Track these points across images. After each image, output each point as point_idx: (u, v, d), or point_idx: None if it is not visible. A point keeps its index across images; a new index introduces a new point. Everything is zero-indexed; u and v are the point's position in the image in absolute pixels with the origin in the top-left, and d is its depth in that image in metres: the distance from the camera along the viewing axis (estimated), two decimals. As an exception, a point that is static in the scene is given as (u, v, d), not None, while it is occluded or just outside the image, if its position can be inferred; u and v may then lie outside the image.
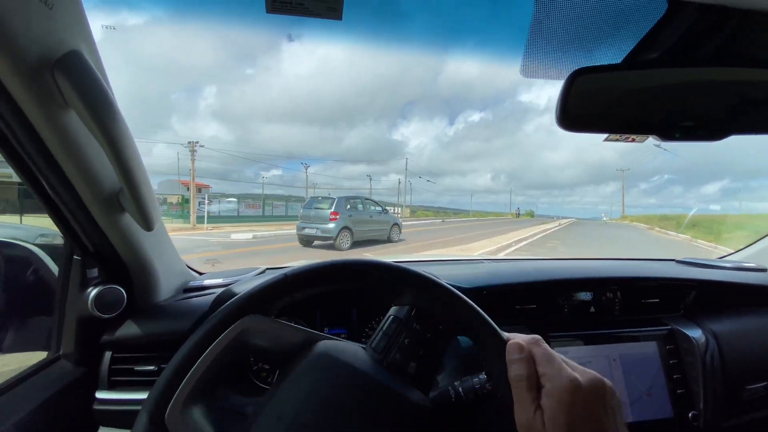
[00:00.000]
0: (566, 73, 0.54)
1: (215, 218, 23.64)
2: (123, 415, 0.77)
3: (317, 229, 9.87)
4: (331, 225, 9.74)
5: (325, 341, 0.48)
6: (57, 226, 0.72)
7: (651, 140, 0.70)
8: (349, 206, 10.62)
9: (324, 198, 11.19)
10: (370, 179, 60.96)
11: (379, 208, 12.44)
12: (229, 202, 27.44)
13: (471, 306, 0.49)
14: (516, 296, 0.97)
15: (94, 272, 0.78)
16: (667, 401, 0.91)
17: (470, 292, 0.91)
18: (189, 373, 0.43)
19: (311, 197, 13.45)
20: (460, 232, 18.01)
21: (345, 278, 0.51)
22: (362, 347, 0.50)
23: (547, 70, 0.61)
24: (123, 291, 0.80)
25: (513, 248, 11.12)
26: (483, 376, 0.62)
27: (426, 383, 0.51)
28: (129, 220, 0.72)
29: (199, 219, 20.65)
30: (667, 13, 0.52)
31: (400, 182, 59.99)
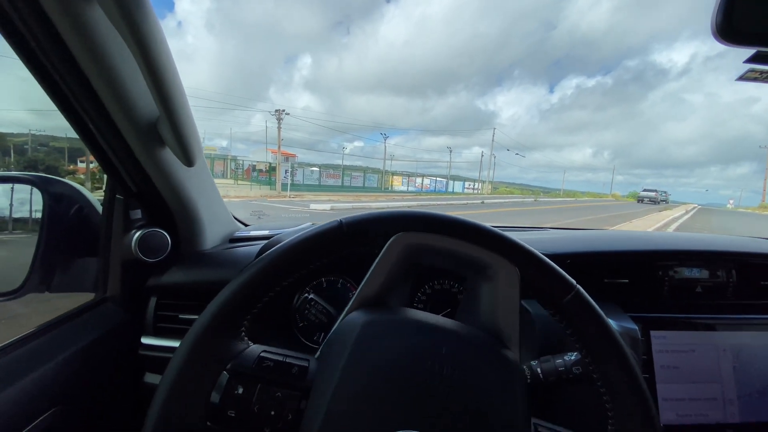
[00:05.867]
0: None
1: (298, 186, 25.20)
2: (168, 363, 0.77)
3: (648, 198, 45.46)
4: (653, 194, 47.26)
5: (517, 359, 0.44)
6: (96, 160, 0.69)
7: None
8: (658, 191, 47.75)
9: (651, 189, 47.62)
10: (450, 151, 59.59)
11: (665, 190, 53.01)
12: (312, 171, 28.95)
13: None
14: (605, 268, 0.83)
15: (137, 214, 0.76)
16: None
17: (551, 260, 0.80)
18: (441, 236, 0.43)
19: (645, 188, 49.35)
20: (572, 216, 15.79)
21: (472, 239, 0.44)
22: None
23: None
24: (167, 236, 0.78)
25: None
26: (569, 357, 0.54)
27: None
28: (170, 157, 0.68)
29: (284, 186, 22.05)
30: None
31: (483, 155, 58.06)
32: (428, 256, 0.45)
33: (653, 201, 42.59)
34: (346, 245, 0.43)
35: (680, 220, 15.14)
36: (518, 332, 0.44)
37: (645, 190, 47.25)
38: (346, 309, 0.44)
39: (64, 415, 0.62)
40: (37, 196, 0.75)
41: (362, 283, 0.45)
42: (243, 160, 32.70)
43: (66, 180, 0.79)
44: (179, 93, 0.55)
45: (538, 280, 0.44)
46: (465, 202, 24.00)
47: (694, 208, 36.05)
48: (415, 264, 0.46)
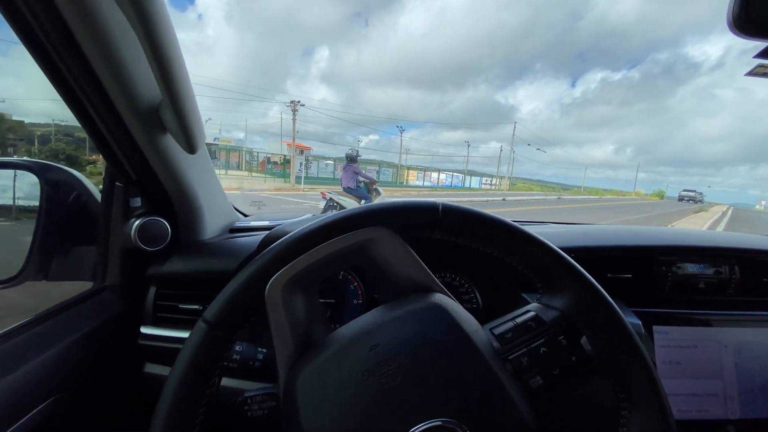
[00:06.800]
0: None
1: (312, 179, 25.03)
2: (167, 353, 0.76)
3: (689, 197, 54.67)
4: (692, 194, 56.81)
5: (445, 297, 0.42)
6: (96, 146, 0.67)
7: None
8: (696, 192, 57.56)
9: (691, 189, 58.12)
10: (468, 146, 58.84)
11: (702, 192, 60.44)
12: (326, 164, 28.94)
13: (644, 358, 0.39)
14: (609, 263, 0.82)
15: (137, 202, 0.75)
16: None
17: None
18: (306, 254, 0.40)
19: (685, 189, 59.96)
20: (605, 216, 14.38)
21: (498, 242, 0.43)
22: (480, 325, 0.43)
23: None
24: (167, 225, 0.77)
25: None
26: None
27: (542, 406, 0.39)
28: (171, 144, 0.67)
29: (298, 179, 21.83)
30: None
31: (501, 149, 57.14)
32: (317, 275, 0.42)
33: (693, 200, 52.24)
34: (226, 342, 0.40)
35: (722, 223, 14.28)
36: (429, 273, 0.43)
37: (685, 190, 57.83)
38: (281, 382, 0.40)
39: (63, 404, 0.62)
40: (36, 183, 0.73)
41: (276, 352, 0.40)
42: (258, 152, 32.78)
43: (64, 167, 0.78)
44: (184, 77, 0.53)
45: (411, 222, 0.43)
46: (486, 199, 22.26)
47: (729, 208, 34.59)
48: (310, 288, 0.43)
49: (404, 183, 36.43)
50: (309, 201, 13.31)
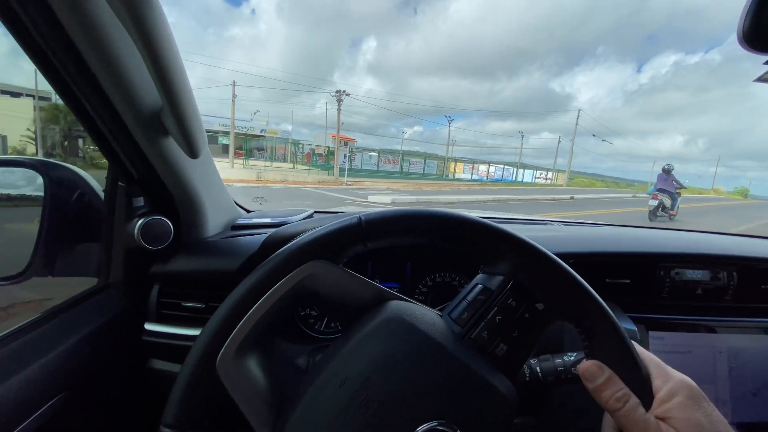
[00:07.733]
0: None
1: (355, 171, 24.34)
2: (172, 349, 0.78)
3: None
4: (790, 196, 52.49)
5: (398, 302, 0.42)
6: (97, 146, 0.68)
7: None
8: (795, 194, 55.49)
9: None
10: (522, 136, 54.71)
11: None
12: (370, 156, 28.79)
13: (587, 290, 0.40)
14: (608, 268, 0.83)
15: (140, 201, 0.76)
16: None
17: None
18: (245, 318, 0.39)
19: None
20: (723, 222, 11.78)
21: (429, 232, 0.43)
22: (438, 314, 0.43)
23: None
24: (170, 223, 0.78)
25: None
26: (569, 357, 0.54)
27: (514, 369, 0.42)
28: (173, 146, 0.67)
29: (341, 172, 21.62)
30: None
31: (560, 140, 53.49)
32: (265, 331, 0.40)
33: None
34: None
35: None
36: (375, 284, 0.43)
37: None
38: None
39: (71, 400, 0.63)
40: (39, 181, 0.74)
41: (251, 423, 0.39)
42: (303, 144, 32.15)
43: (67, 165, 0.80)
44: (183, 84, 0.54)
45: (337, 245, 0.42)
46: (552, 197, 18.43)
47: None
48: (265, 342, 0.41)
49: (451, 176, 35.30)
50: (351, 197, 12.24)
